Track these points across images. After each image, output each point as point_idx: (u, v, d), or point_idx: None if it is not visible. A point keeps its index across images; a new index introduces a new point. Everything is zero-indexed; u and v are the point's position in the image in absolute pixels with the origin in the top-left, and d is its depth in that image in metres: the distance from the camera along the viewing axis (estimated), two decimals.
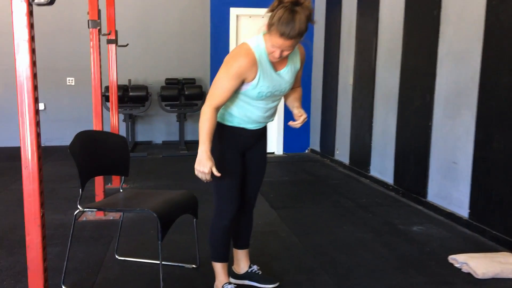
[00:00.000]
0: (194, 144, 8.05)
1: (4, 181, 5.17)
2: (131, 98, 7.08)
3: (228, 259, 2.48)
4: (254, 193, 2.49)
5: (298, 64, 2.28)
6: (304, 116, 2.30)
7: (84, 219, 3.82)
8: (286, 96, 2.43)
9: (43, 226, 2.03)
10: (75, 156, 2.29)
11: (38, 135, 1.95)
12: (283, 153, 7.25)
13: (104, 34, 3.75)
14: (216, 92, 2.14)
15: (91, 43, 3.49)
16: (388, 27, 4.88)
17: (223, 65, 2.15)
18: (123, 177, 2.78)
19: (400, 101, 4.61)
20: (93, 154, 2.44)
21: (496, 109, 3.32)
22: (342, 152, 6.08)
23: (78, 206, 2.37)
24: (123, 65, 7.62)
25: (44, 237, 2.04)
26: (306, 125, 7.33)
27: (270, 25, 2.03)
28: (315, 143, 7.14)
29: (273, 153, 7.27)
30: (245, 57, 2.10)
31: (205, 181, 2.14)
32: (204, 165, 2.09)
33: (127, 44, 4.90)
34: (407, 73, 4.49)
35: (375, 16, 5.13)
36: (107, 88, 6.73)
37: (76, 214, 2.41)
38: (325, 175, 5.67)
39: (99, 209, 2.32)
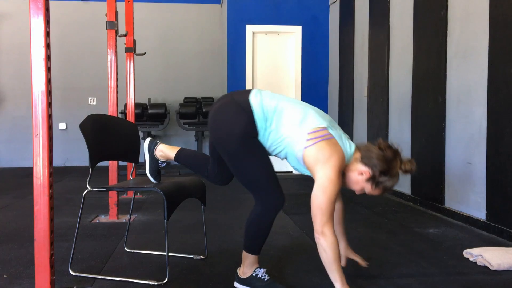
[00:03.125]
0: None
1: (23, 192, 5.33)
2: (150, 115, 7.22)
3: None
4: None
5: None
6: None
7: (97, 221, 3.85)
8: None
9: (51, 197, 2.05)
10: (86, 135, 2.32)
11: (50, 116, 2.00)
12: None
13: (121, 35, 3.84)
14: (330, 208, 2.15)
15: (108, 43, 3.58)
16: (399, 33, 4.92)
17: (327, 179, 2.19)
18: (133, 164, 2.82)
19: (414, 106, 4.59)
20: (104, 136, 2.47)
21: (505, 101, 3.30)
22: None
23: (87, 186, 2.39)
24: (143, 85, 7.82)
25: (51, 209, 2.06)
26: None
27: (378, 182, 2.18)
28: None
29: (291, 172, 7.24)
30: (342, 162, 2.25)
31: None
32: None
33: (145, 53, 5.02)
34: (419, 77, 4.50)
35: (386, 24, 5.18)
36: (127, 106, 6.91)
37: (84, 194, 2.44)
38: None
39: (108, 189, 2.34)
